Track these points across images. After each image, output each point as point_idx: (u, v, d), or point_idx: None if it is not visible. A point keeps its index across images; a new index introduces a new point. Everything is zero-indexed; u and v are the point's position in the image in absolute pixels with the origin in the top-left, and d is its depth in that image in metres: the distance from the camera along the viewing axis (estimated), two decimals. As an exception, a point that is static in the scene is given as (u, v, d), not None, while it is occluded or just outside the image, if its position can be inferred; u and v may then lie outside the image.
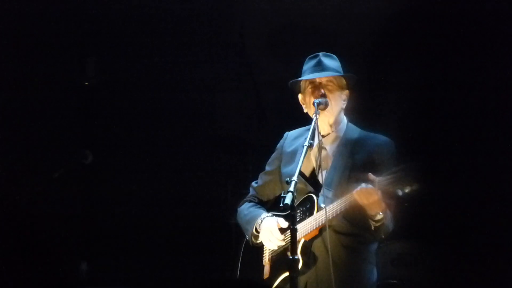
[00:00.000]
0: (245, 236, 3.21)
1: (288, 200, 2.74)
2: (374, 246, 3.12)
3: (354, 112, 3.20)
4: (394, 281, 3.34)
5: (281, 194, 2.85)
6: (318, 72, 3.13)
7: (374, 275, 3.12)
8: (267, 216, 3.15)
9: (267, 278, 3.10)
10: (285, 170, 3.18)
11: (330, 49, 3.19)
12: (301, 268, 2.98)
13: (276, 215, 3.10)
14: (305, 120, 3.17)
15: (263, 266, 3.14)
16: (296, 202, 2.86)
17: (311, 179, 3.12)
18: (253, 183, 3.38)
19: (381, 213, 2.97)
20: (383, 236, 3.09)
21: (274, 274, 3.10)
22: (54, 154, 5.09)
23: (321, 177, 3.09)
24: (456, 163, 3.75)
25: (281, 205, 2.77)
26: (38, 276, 3.90)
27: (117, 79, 5.15)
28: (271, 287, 3.09)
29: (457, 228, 3.89)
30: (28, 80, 5.34)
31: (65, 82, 5.41)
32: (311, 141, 3.01)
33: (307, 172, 3.12)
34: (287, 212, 2.87)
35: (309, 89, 3.14)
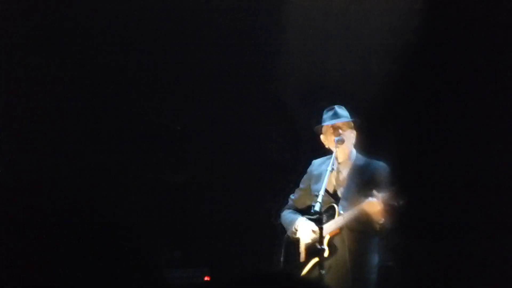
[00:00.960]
0: (286, 233, 4.53)
1: (317, 207, 4.06)
2: (376, 239, 4.40)
3: (360, 145, 4.52)
4: (390, 263, 4.56)
5: (312, 203, 4.19)
6: (335, 119, 4.46)
7: (376, 259, 4.40)
8: (302, 219, 4.48)
9: (303, 262, 4.42)
10: (314, 187, 4.49)
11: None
12: (326, 255, 4.29)
13: (309, 219, 4.41)
14: (326, 152, 4.50)
15: (299, 254, 4.45)
16: (322, 210, 4.19)
17: (333, 194, 4.43)
18: (291, 196, 4.70)
19: (382, 218, 4.28)
20: (383, 233, 4.38)
21: (307, 259, 4.41)
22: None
23: (340, 193, 4.42)
24: (437, 179, 4.92)
25: (312, 211, 4.10)
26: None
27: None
28: (306, 269, 4.39)
29: (443, 226, 5.00)
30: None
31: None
32: (333, 167, 4.35)
33: (330, 189, 4.42)
34: (316, 216, 4.18)
35: (330, 131, 4.46)
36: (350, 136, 4.48)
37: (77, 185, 4.99)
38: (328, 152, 4.46)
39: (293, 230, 4.47)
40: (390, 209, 4.23)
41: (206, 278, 5.18)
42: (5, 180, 4.88)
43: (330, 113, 4.49)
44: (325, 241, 4.28)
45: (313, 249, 4.29)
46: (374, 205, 4.22)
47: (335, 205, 4.37)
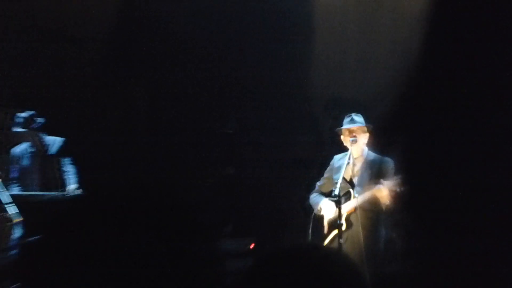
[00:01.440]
0: (313, 211, 5.83)
1: (337, 192, 5.33)
2: (383, 216, 5.66)
3: (371, 144, 5.78)
4: (394, 235, 5.79)
5: (333, 189, 5.47)
6: (351, 124, 5.73)
7: (383, 232, 5.68)
8: (326, 200, 5.77)
9: (326, 234, 5.71)
10: (335, 176, 5.76)
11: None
12: (344, 229, 5.58)
13: (331, 200, 5.69)
14: (344, 149, 5.78)
15: (323, 227, 5.74)
16: (341, 193, 5.46)
17: (349, 181, 5.70)
18: (317, 183, 5.96)
19: (388, 201, 5.53)
20: (388, 212, 5.64)
21: (329, 231, 5.70)
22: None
23: (355, 181, 5.70)
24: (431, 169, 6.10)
25: (333, 194, 5.38)
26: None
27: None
28: (328, 239, 5.69)
29: (437, 208, 6.14)
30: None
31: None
32: (349, 161, 5.63)
33: (347, 177, 5.68)
34: (336, 198, 5.46)
35: (347, 133, 5.73)
36: (363, 137, 5.74)
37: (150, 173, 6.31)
38: (346, 149, 5.75)
39: (319, 209, 5.76)
40: (394, 194, 5.49)
41: (251, 246, 6.48)
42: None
43: (348, 119, 5.76)
44: (343, 217, 5.54)
45: (334, 224, 5.55)
46: (382, 190, 5.48)
47: (351, 190, 5.64)
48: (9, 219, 5.38)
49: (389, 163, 5.67)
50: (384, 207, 5.55)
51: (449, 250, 5.70)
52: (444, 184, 5.65)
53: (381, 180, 5.50)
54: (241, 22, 6.77)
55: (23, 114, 5.87)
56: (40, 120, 5.86)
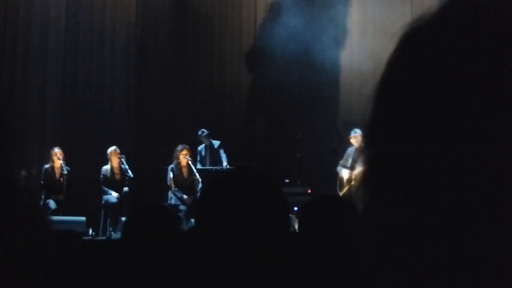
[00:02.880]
0: (339, 174, 12.19)
1: (349, 165, 11.73)
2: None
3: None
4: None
5: (347, 164, 11.85)
6: (353, 134, 12.03)
7: (370, 184, 11.98)
8: (344, 169, 12.12)
9: (344, 185, 12.08)
10: (348, 158, 12.10)
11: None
12: (352, 184, 11.97)
13: (346, 169, 12.02)
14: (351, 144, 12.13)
15: (343, 182, 12.12)
16: (351, 165, 11.82)
17: (355, 160, 12.06)
18: (340, 161, 12.28)
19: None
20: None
21: (346, 184, 12.06)
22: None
23: (357, 160, 12.07)
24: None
25: (347, 166, 11.78)
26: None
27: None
28: (344, 190, 12.06)
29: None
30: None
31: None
32: (354, 150, 12.01)
33: (354, 159, 12.05)
34: (349, 168, 11.83)
35: (352, 137, 12.05)
36: (361, 139, 12.04)
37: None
38: (352, 145, 12.08)
39: (341, 174, 12.15)
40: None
41: (309, 191, 12.83)
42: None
43: (353, 131, 12.06)
44: (353, 178, 11.95)
45: (348, 181, 11.97)
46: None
47: (356, 165, 12.00)
48: (197, 179, 11.96)
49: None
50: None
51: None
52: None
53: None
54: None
55: (201, 130, 12.39)
56: (206, 131, 12.36)
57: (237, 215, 1.85)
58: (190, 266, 2.23)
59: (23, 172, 10.55)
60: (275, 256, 1.85)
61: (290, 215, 3.36)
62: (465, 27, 0.71)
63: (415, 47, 0.78)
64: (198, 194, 11.65)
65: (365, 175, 0.83)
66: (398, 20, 13.27)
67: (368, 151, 0.83)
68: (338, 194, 11.71)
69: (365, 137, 0.87)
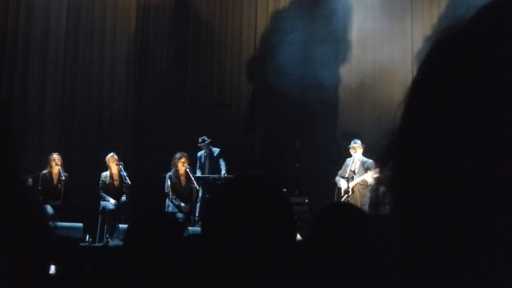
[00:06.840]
0: (337, 185, 12.20)
1: (348, 176, 11.76)
2: (369, 188, 12.02)
3: (364, 153, 12.10)
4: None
5: (346, 175, 11.87)
6: (353, 144, 12.04)
7: (368, 194, 12.04)
8: (343, 180, 12.13)
9: (342, 196, 12.09)
10: (346, 169, 12.11)
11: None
12: (351, 194, 11.98)
13: (345, 179, 12.04)
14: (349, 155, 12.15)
15: (341, 193, 12.13)
16: (349, 176, 11.84)
17: (353, 171, 12.07)
18: (339, 171, 12.31)
19: (371, 181, 11.91)
20: (373, 186, 11.97)
21: (344, 194, 12.07)
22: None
23: (356, 171, 12.07)
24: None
25: (345, 177, 11.80)
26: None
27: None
28: (343, 199, 12.06)
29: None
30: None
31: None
32: (353, 161, 12.02)
33: (352, 170, 12.03)
34: (347, 179, 11.83)
35: (351, 148, 12.07)
36: (360, 150, 12.05)
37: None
38: (351, 155, 12.09)
39: (339, 184, 12.16)
40: (375, 178, 11.85)
41: (306, 201, 12.83)
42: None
43: (352, 141, 12.09)
44: (350, 189, 11.96)
45: (346, 192, 11.98)
46: (368, 176, 11.84)
47: (354, 175, 12.01)
48: (195, 187, 11.95)
49: (372, 162, 11.99)
50: (369, 184, 11.91)
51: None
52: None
53: (368, 171, 11.85)
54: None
55: (202, 138, 12.40)
56: (207, 139, 12.36)
57: (244, 223, 1.84)
58: (196, 272, 2.22)
59: (29, 177, 10.51)
60: (283, 264, 1.84)
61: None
62: (497, 36, 0.72)
63: (447, 55, 0.77)
64: (198, 202, 11.64)
65: (393, 180, 0.82)
66: (399, 31, 13.32)
67: (397, 156, 0.83)
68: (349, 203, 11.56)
69: (392, 143, 0.87)
